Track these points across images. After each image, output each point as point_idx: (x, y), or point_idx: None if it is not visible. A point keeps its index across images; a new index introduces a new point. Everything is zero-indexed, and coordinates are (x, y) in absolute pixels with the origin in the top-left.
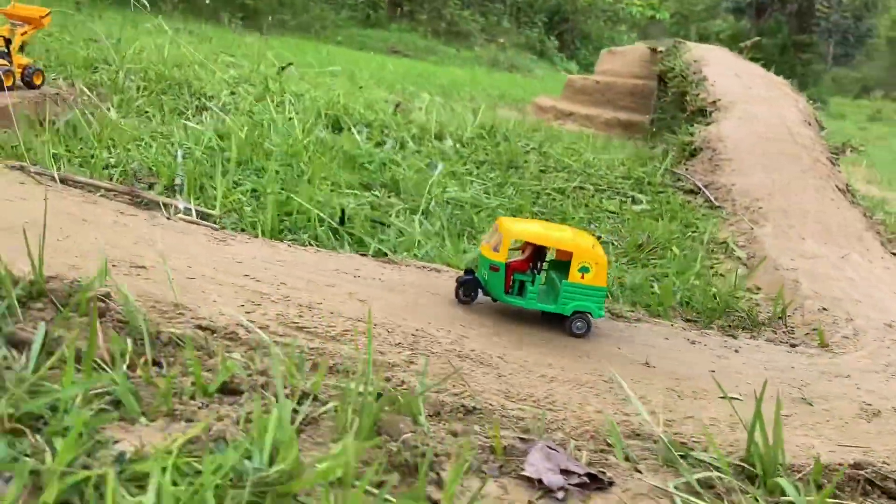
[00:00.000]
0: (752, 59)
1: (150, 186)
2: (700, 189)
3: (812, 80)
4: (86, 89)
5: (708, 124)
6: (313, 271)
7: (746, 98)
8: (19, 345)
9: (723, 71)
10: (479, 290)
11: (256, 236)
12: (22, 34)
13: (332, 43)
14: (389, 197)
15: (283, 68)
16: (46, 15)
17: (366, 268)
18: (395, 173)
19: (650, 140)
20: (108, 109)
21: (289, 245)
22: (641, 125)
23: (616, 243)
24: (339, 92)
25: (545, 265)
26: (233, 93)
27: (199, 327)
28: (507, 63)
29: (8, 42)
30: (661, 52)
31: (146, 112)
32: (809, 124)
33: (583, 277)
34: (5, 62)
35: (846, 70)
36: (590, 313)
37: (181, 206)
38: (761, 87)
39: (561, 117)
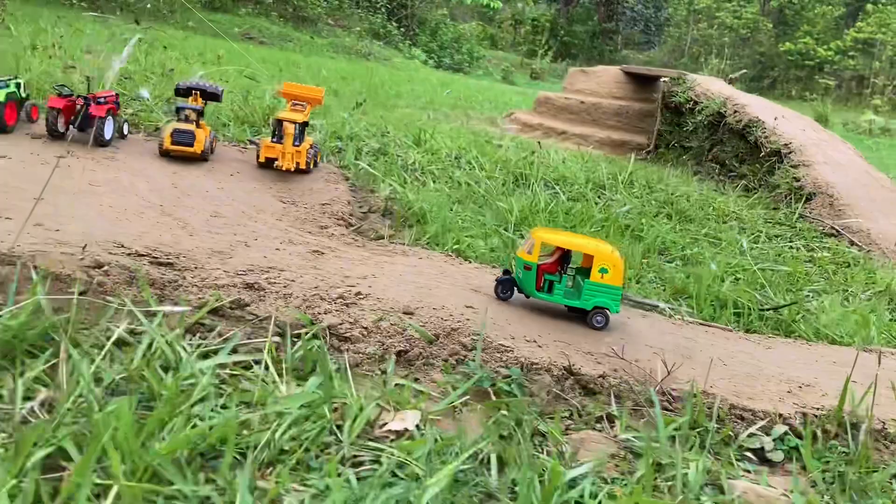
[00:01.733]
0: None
1: None
2: (839, 232)
3: (619, 65)
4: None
5: (794, 167)
6: None
7: (806, 140)
8: None
9: (761, 110)
10: (515, 288)
11: None
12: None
13: (183, 28)
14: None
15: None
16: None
17: None
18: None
19: (655, 162)
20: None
21: None
22: (630, 144)
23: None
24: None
25: (572, 270)
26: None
27: None
28: (365, 51)
29: (304, 126)
30: (665, 80)
31: None
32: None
33: (602, 277)
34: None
35: (635, 53)
36: (608, 309)
37: None
38: (808, 128)
39: (553, 135)
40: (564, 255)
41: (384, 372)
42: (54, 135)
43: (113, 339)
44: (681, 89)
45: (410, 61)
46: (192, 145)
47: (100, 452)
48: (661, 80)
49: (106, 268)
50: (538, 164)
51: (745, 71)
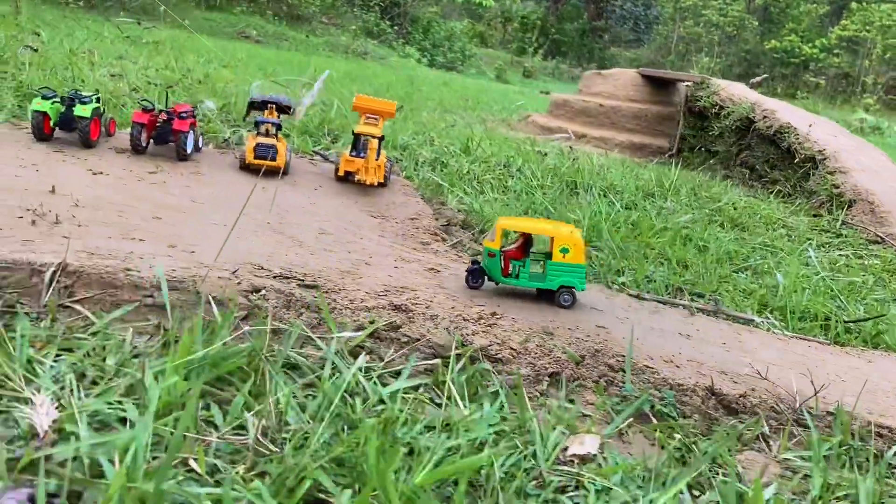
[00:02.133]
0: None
1: None
2: (883, 239)
3: (609, 63)
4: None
5: (831, 173)
6: None
7: (839, 146)
8: None
9: (790, 116)
10: (485, 277)
11: None
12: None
13: (177, 27)
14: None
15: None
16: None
17: None
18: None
19: (678, 166)
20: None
21: None
22: (650, 147)
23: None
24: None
25: (540, 255)
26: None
27: None
28: (361, 50)
29: (381, 140)
30: (689, 85)
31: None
32: None
33: (564, 257)
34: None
35: (620, 50)
36: (574, 287)
37: None
38: (839, 134)
39: (573, 139)
40: (528, 241)
41: (542, 394)
42: (138, 149)
43: (291, 365)
44: (705, 94)
45: (406, 60)
46: (274, 159)
47: (370, 489)
48: (684, 84)
49: (263, 292)
50: (588, 172)
51: (766, 76)
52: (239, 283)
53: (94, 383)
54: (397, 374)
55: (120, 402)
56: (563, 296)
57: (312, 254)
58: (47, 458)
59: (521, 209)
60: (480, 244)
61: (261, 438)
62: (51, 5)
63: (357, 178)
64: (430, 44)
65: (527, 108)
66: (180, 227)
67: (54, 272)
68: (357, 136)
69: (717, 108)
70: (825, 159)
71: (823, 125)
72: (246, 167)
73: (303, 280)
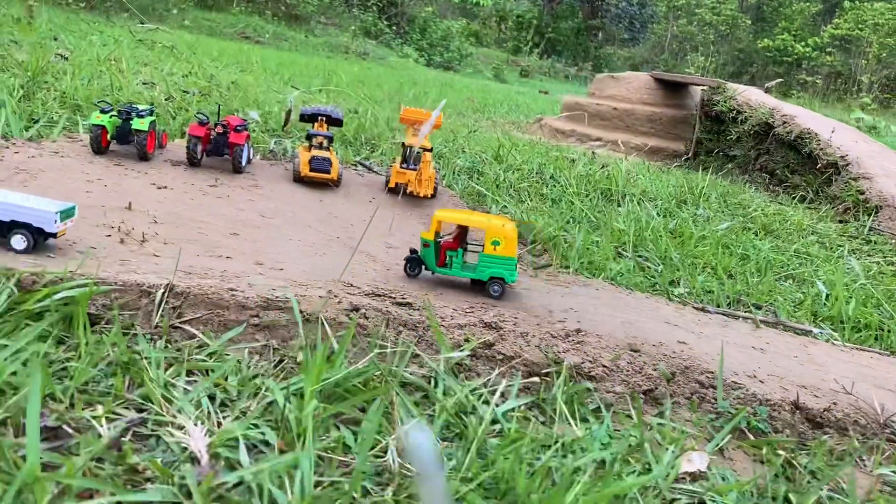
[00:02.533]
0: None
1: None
2: None
3: (604, 62)
4: None
5: (855, 179)
6: None
7: (861, 152)
8: None
9: (809, 121)
10: (422, 266)
11: None
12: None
13: (178, 26)
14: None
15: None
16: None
17: None
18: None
19: (702, 171)
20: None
21: None
22: (666, 151)
23: None
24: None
25: (479, 247)
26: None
27: None
28: (360, 50)
29: (430, 151)
30: (704, 89)
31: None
32: None
33: (495, 249)
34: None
35: (615, 49)
36: (503, 278)
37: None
38: (860, 140)
39: (588, 142)
40: (464, 233)
41: (639, 411)
42: (193, 162)
43: (401, 383)
44: (722, 98)
45: (405, 60)
46: (328, 172)
47: None
48: (699, 88)
49: (363, 310)
50: (618, 179)
51: (780, 80)
52: (339, 303)
53: (224, 405)
54: (493, 391)
55: (257, 425)
56: (493, 286)
57: (388, 269)
58: (215, 486)
59: (563, 219)
60: (535, 256)
61: (401, 461)
62: (51, 6)
63: (409, 189)
64: (427, 43)
65: (529, 109)
66: (260, 243)
67: (163, 293)
68: (407, 148)
69: (735, 112)
70: (847, 165)
71: (843, 131)
72: (300, 179)
73: (394, 298)
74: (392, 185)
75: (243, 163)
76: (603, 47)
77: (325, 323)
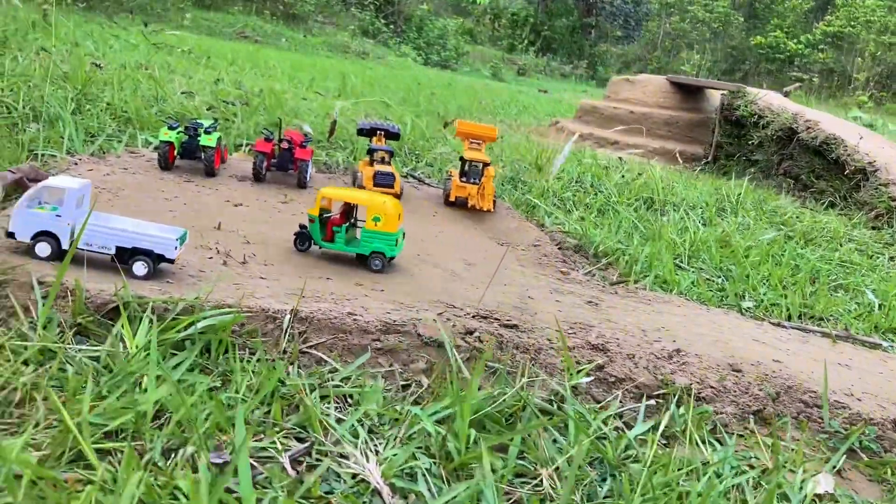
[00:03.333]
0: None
1: None
2: None
3: (599, 59)
4: None
5: (884, 185)
6: None
7: (889, 158)
8: None
9: (834, 126)
10: (311, 241)
11: None
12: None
13: (178, 27)
14: None
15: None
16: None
17: None
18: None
19: (716, 173)
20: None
21: None
22: (684, 155)
23: None
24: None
25: (362, 222)
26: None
27: None
28: (359, 49)
29: (486, 167)
30: (724, 93)
31: None
32: None
33: (376, 225)
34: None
35: (608, 46)
36: (383, 253)
37: None
38: (886, 146)
39: (606, 146)
40: (350, 209)
41: (752, 432)
42: (258, 177)
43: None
44: (742, 102)
45: (403, 59)
46: (392, 187)
47: None
48: (719, 92)
49: (477, 333)
50: (654, 187)
51: (799, 84)
52: (453, 326)
53: (372, 432)
54: (618, 415)
55: (415, 455)
56: (374, 261)
57: (476, 287)
58: None
59: (614, 229)
60: (601, 270)
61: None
62: (51, 6)
63: (470, 203)
64: (424, 42)
65: (537, 110)
66: (353, 263)
67: (290, 318)
68: (468, 163)
69: (756, 117)
70: (876, 171)
71: (869, 136)
72: None
73: (500, 320)
74: (452, 198)
75: (308, 178)
76: (598, 45)
77: (452, 349)
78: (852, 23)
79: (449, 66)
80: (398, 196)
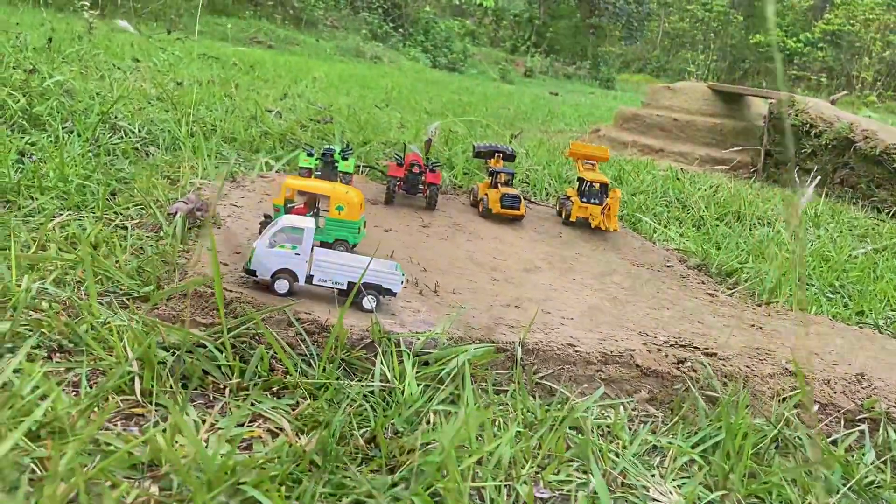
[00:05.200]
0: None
1: None
2: None
3: (602, 60)
4: None
5: None
6: None
7: None
8: None
9: (891, 135)
10: None
11: None
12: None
13: (190, 32)
14: None
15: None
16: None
17: None
18: None
19: (767, 182)
20: None
21: None
22: (731, 163)
23: None
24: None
25: (324, 212)
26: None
27: None
28: (371, 53)
29: (604, 187)
30: (771, 102)
31: None
32: None
33: (340, 214)
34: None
35: (608, 45)
36: (346, 241)
37: None
38: None
39: (650, 153)
40: (314, 199)
41: None
42: (389, 201)
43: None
44: (793, 111)
45: (414, 63)
46: (518, 209)
47: None
48: (768, 101)
49: (688, 363)
50: (733, 200)
51: (845, 93)
52: (666, 356)
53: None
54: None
55: (700, 495)
56: (338, 249)
57: (648, 314)
58: None
59: (723, 245)
60: (729, 289)
61: None
62: (54, 8)
63: (594, 223)
64: (431, 45)
65: (564, 115)
66: (525, 289)
67: (521, 350)
68: (587, 184)
69: (808, 126)
70: None
71: None
72: (486, 215)
73: (700, 347)
74: (573, 218)
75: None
76: (601, 46)
77: (693, 384)
78: (851, 21)
79: (457, 68)
80: (520, 218)
